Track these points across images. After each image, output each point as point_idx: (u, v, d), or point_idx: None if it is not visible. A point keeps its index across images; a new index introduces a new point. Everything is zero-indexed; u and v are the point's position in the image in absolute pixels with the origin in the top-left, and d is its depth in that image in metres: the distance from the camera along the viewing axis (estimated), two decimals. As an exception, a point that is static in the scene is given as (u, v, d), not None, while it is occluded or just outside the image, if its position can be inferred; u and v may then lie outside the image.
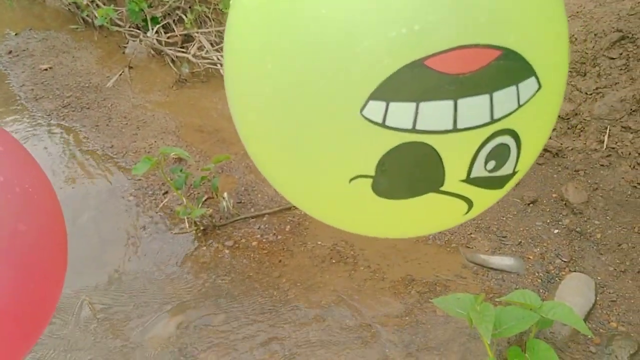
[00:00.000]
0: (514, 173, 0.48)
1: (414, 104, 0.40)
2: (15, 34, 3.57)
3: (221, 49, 2.96)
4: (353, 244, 1.88)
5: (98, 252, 1.95)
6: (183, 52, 2.95)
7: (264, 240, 1.97)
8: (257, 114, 0.47)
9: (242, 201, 2.14)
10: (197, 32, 3.01)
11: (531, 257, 1.85)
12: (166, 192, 2.19)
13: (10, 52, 3.34)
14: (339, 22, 0.40)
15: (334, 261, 1.85)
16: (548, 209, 1.97)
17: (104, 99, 2.77)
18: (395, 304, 1.69)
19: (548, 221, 1.93)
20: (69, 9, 3.67)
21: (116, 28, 3.21)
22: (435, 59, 0.39)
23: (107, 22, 3.07)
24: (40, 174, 0.59)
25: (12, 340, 0.54)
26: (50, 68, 3.07)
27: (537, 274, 1.77)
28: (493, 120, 0.43)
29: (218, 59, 2.88)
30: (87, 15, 3.39)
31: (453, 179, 0.46)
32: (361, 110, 0.41)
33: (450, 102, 0.41)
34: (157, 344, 1.62)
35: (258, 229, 2.01)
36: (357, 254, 1.85)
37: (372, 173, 0.43)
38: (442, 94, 0.40)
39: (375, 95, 0.40)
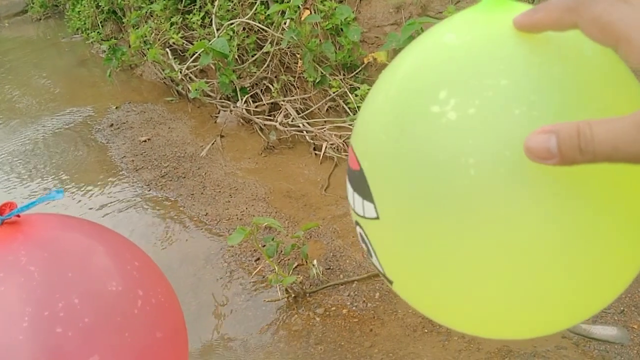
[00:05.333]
0: (388, 280, 0.52)
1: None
2: (116, 108, 3.86)
3: (306, 116, 3.08)
4: (445, 313, 1.86)
5: (195, 318, 2.03)
6: (270, 120, 3.09)
7: (354, 308, 1.98)
8: None
9: (331, 267, 2.17)
10: (283, 101, 3.14)
11: (635, 327, 1.76)
12: (258, 259, 2.26)
13: (111, 125, 3.62)
14: None
15: (426, 330, 1.83)
16: (652, 275, 1.88)
17: (198, 167, 2.93)
18: (492, 378, 1.64)
19: (653, 288, 1.83)
20: (164, 82, 3.95)
21: (208, 99, 3.41)
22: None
23: (199, 95, 3.27)
24: (168, 285, 0.65)
25: None
26: (148, 139, 3.29)
27: (645, 347, 1.67)
28: (355, 212, 0.51)
29: (303, 125, 2.98)
30: (181, 88, 3.63)
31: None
32: None
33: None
34: (253, 414, 1.66)
35: (348, 296, 2.03)
36: (449, 323, 1.83)
37: None
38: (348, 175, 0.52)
39: None
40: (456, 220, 0.41)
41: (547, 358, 1.68)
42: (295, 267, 2.16)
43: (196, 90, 3.21)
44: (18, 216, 0.58)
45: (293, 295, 2.04)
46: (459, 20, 0.46)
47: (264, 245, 2.11)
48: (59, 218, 0.63)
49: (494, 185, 0.39)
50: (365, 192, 0.47)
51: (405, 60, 0.48)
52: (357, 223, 0.52)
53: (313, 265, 2.09)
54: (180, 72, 3.42)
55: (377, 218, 0.47)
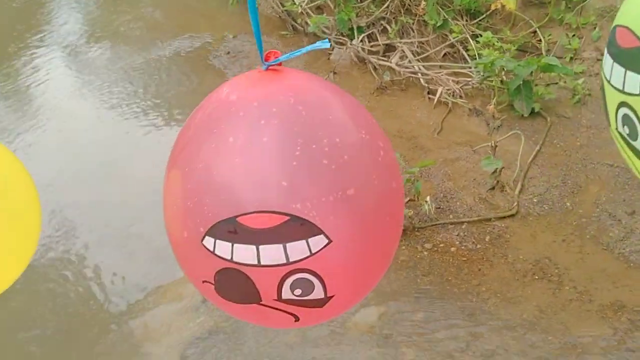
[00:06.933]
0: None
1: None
2: (233, 37, 3.97)
3: (421, 60, 3.05)
4: (557, 263, 1.86)
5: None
6: (385, 60, 3.09)
7: (462, 247, 2.01)
8: None
9: (441, 207, 2.20)
10: (400, 42, 3.13)
11: None
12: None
13: (228, 52, 3.74)
14: None
15: (536, 277, 1.84)
16: None
17: (312, 100, 2.99)
18: (603, 329, 1.64)
19: None
20: (279, 17, 4.00)
21: (324, 36, 3.45)
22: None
23: (316, 30, 3.31)
24: (391, 146, 0.72)
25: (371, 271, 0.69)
26: (264, 69, 3.38)
27: None
28: (624, 92, 0.53)
29: (419, 68, 2.97)
30: (298, 23, 3.68)
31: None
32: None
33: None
34: (361, 330, 1.75)
35: (457, 235, 2.06)
36: (562, 273, 1.83)
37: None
38: None
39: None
40: None
41: (661, 319, 1.66)
42: (407, 202, 2.20)
43: (315, 25, 3.25)
44: (279, 64, 0.66)
45: (402, 228, 2.09)
46: None
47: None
48: (310, 74, 0.71)
49: None
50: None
51: None
52: (622, 104, 0.54)
53: (426, 201, 2.12)
54: (301, 7, 3.46)
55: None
